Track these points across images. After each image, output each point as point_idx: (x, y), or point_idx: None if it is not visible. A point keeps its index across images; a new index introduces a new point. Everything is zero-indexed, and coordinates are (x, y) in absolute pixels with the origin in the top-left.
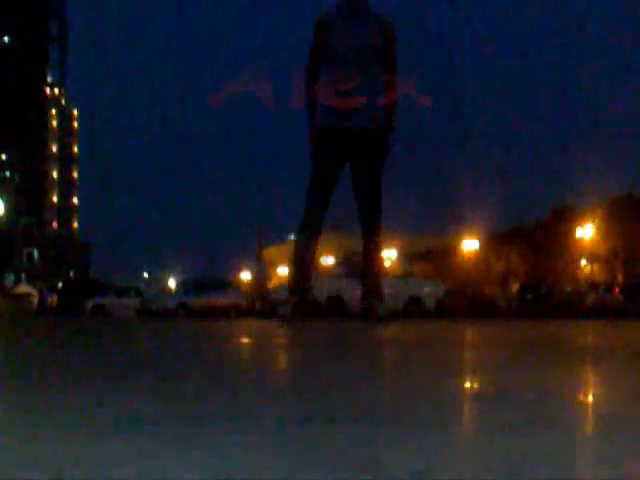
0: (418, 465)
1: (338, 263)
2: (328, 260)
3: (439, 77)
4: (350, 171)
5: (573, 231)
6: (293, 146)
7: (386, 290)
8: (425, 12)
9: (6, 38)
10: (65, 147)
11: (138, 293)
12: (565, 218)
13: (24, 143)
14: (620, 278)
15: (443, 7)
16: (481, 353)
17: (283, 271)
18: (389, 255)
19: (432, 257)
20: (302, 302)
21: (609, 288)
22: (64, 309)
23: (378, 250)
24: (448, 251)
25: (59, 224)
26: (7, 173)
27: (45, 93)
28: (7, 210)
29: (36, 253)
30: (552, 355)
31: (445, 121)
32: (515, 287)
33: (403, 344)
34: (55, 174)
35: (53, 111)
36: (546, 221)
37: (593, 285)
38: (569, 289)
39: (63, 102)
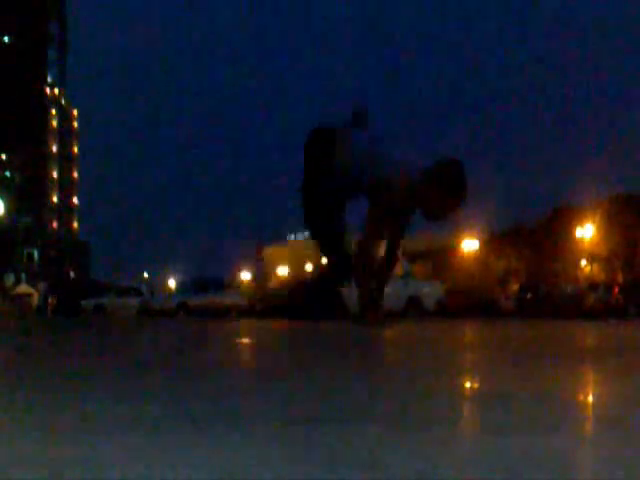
0: (418, 465)
1: None
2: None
3: (438, 75)
4: None
5: (573, 231)
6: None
7: (386, 290)
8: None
9: (6, 38)
10: (65, 147)
11: (138, 293)
12: (565, 218)
13: (24, 143)
14: (620, 278)
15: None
16: (481, 353)
17: (283, 271)
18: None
19: (432, 257)
20: None
21: (609, 288)
22: (64, 309)
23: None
24: (448, 251)
25: (59, 224)
26: (7, 173)
27: (45, 93)
28: (7, 210)
29: (36, 253)
30: (552, 355)
31: (444, 121)
32: (515, 287)
33: (403, 344)
34: (55, 174)
35: (53, 111)
36: (546, 221)
37: (593, 285)
38: (569, 289)
39: (63, 102)
